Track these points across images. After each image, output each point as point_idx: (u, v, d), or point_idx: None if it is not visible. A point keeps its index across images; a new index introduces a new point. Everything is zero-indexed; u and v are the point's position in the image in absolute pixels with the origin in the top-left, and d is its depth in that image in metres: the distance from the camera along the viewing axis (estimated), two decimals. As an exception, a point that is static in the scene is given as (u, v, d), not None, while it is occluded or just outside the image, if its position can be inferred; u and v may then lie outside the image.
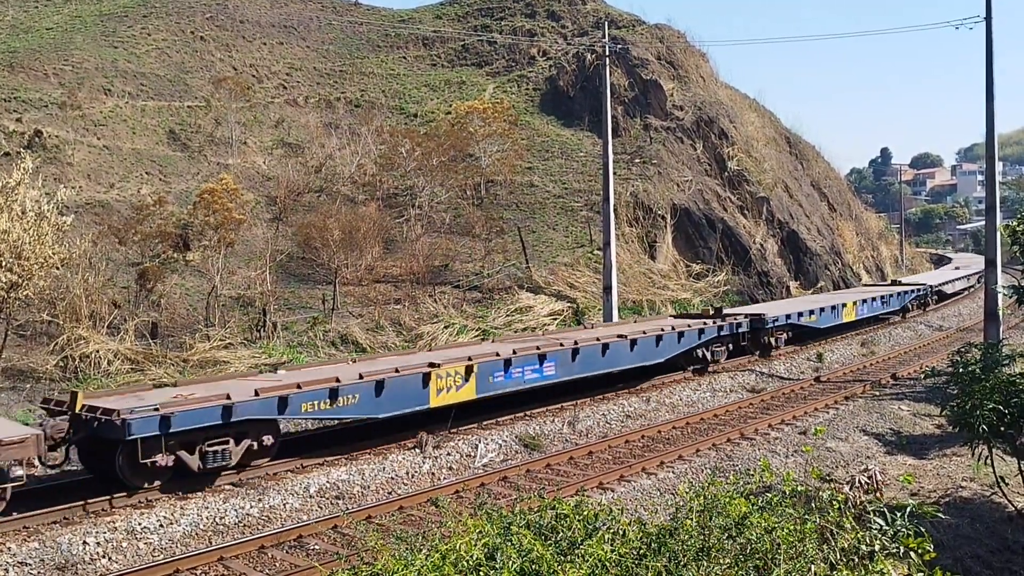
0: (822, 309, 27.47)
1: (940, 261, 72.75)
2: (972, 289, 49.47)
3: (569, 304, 29.95)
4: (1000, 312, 25.59)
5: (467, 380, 15.70)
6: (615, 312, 27.26)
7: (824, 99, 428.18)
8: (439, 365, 15.27)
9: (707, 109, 43.59)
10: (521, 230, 33.31)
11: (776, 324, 24.88)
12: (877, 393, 21.64)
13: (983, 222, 31.77)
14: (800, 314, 26.07)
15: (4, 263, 18.91)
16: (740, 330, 23.38)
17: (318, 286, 28.70)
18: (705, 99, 44.61)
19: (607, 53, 29.42)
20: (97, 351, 21.54)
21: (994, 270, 25.77)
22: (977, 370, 14.87)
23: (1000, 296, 24.99)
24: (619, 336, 19.37)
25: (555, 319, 28.84)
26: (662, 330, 20.52)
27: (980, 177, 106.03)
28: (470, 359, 15.87)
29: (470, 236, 33.80)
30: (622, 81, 43.11)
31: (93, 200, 29.85)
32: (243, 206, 29.74)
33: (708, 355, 22.35)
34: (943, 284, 42.08)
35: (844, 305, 28.96)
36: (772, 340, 25.03)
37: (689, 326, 21.62)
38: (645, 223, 36.53)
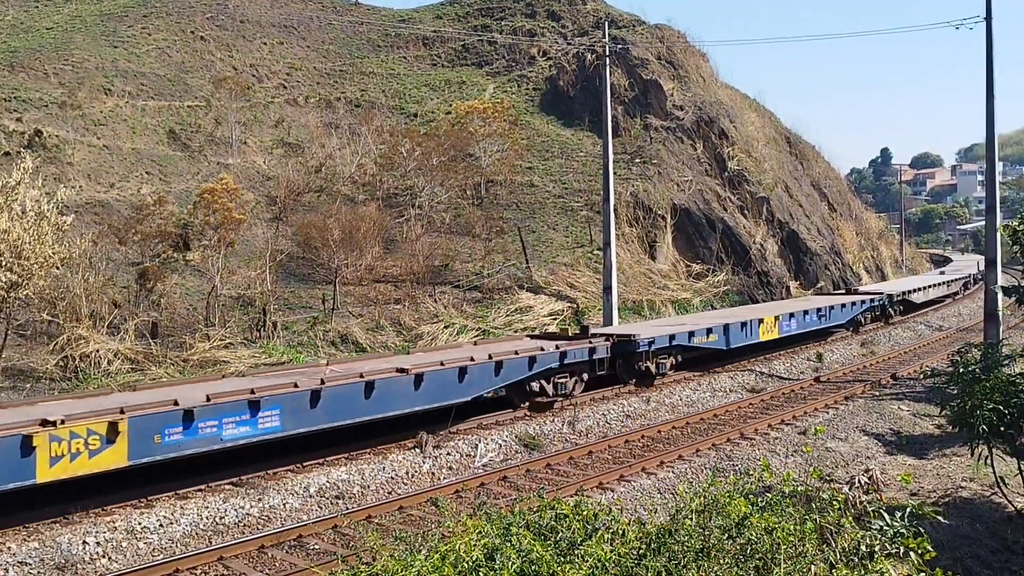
0: (726, 327, 22.87)
1: (941, 262, 72.76)
2: (957, 297, 45.09)
3: (569, 304, 29.97)
4: (1000, 312, 25.58)
5: (112, 442, 11.27)
6: (615, 312, 27.26)
7: (825, 99, 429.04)
8: (56, 424, 10.79)
9: (707, 109, 43.60)
10: (521, 230, 33.31)
11: (655, 347, 20.48)
12: (877, 393, 21.64)
13: (983, 222, 31.75)
14: (692, 333, 21.56)
15: (4, 263, 18.91)
16: (596, 356, 18.96)
17: (318, 286, 28.71)
18: (705, 99, 44.61)
19: (607, 53, 29.41)
20: (97, 351, 21.55)
21: (994, 270, 25.77)
22: (977, 370, 14.89)
23: (1000, 296, 25.01)
24: (398, 371, 14.69)
25: (555, 319, 28.86)
26: (471, 359, 15.96)
27: (980, 177, 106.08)
28: (121, 412, 11.41)
29: (470, 236, 33.81)
30: (622, 81, 43.11)
31: (93, 200, 29.86)
32: (243, 206, 29.76)
33: (550, 388, 18.07)
34: (910, 292, 36.53)
35: (761, 321, 24.28)
36: (651, 366, 20.62)
37: (516, 352, 17.20)
38: (645, 223, 36.53)
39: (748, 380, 22.71)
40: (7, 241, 18.93)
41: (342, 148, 38.74)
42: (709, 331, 22.14)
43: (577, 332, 20.65)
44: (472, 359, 16.03)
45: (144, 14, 46.55)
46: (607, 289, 27.45)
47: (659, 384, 21.16)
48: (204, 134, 37.56)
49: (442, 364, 15.49)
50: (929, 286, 39.71)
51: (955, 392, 14.90)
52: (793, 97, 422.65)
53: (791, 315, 25.95)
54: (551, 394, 18.08)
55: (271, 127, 40.88)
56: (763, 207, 41.08)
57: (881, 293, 33.46)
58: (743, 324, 23.54)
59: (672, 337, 20.99)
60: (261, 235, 30.71)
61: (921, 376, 23.39)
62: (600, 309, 28.72)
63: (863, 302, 31.38)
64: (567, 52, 47.44)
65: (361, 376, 14.18)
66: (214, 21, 47.86)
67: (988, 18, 25.01)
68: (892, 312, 34.18)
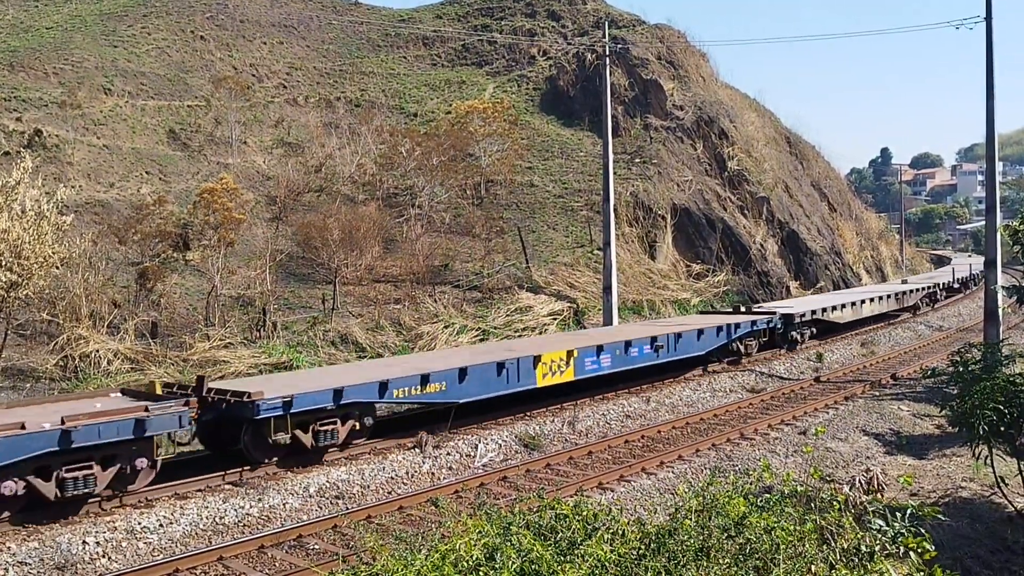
0: (463, 371, 15.69)
1: (940, 261, 73.09)
2: (919, 312, 37.34)
3: (569, 304, 29.97)
4: (1000, 312, 25.58)
5: None
6: (615, 312, 27.26)
7: (824, 99, 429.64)
8: None
9: (707, 109, 43.59)
10: (521, 230, 33.31)
11: (301, 410, 13.27)
12: (877, 393, 21.64)
13: (983, 222, 31.74)
14: (386, 385, 14.46)
15: (4, 262, 18.92)
16: (151, 431, 11.71)
17: (318, 286, 28.70)
18: (705, 99, 44.61)
19: (607, 53, 29.41)
20: (97, 351, 21.55)
21: (994, 270, 25.77)
22: (977, 370, 14.89)
23: (1000, 296, 25.02)
24: None
25: (555, 319, 28.86)
26: None
27: (980, 177, 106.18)
28: None
29: (470, 236, 33.80)
30: (622, 81, 43.11)
31: (93, 199, 29.85)
32: (243, 206, 29.76)
33: (54, 489, 10.99)
34: (830, 310, 28.46)
35: (537, 360, 17.04)
36: (303, 438, 13.54)
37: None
38: (645, 223, 36.54)
39: (748, 380, 22.70)
40: (7, 241, 18.93)
41: (342, 148, 38.74)
42: (425, 380, 15.04)
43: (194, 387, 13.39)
44: None
45: (144, 14, 46.55)
46: (607, 289, 27.46)
47: (658, 385, 21.05)
48: (204, 134, 37.56)
49: None
50: (861, 301, 30.93)
51: (955, 392, 14.89)
52: (793, 97, 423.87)
53: (599, 348, 18.61)
54: (56, 496, 10.95)
55: (271, 127, 40.87)
56: (763, 207, 41.08)
57: (774, 314, 25.77)
58: (500, 365, 16.30)
59: (339, 394, 13.68)
60: (261, 235, 30.71)
61: (921, 376, 23.39)
62: (600, 309, 28.75)
63: (739, 326, 23.67)
64: (567, 52, 47.45)
65: None
66: (214, 21, 47.86)
67: (988, 18, 25.01)
68: (798, 337, 26.67)
